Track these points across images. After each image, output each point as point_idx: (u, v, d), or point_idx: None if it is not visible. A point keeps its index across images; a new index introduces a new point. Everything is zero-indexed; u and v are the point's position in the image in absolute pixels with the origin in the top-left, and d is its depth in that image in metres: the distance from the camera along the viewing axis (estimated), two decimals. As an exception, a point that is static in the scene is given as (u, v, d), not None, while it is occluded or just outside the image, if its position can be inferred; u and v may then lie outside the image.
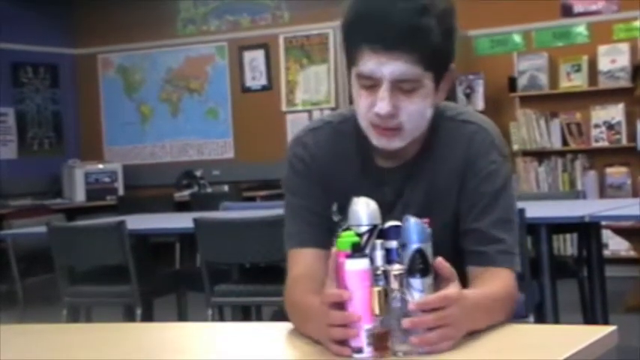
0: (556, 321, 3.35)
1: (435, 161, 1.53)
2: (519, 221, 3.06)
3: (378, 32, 1.41)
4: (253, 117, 7.62)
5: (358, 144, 1.55)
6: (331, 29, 7.48)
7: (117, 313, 4.55)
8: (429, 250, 1.29)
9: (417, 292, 1.26)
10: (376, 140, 1.49)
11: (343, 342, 1.25)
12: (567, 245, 6.03)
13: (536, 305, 3.28)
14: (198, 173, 7.64)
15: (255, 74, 7.72)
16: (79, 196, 7.59)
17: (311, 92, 7.46)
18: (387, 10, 1.41)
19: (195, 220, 3.79)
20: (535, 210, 3.38)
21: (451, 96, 6.63)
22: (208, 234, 3.76)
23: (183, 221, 4.21)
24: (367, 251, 1.28)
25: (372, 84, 1.44)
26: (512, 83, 6.62)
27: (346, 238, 1.27)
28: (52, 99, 8.19)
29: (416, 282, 1.27)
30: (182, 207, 6.88)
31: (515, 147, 6.56)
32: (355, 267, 1.24)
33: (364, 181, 1.54)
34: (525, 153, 6.59)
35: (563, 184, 6.49)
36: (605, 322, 3.35)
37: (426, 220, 1.31)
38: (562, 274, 3.65)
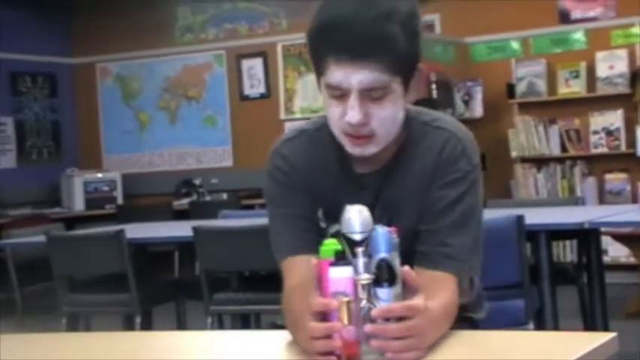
0: (556, 328, 3.34)
1: (408, 166, 1.54)
2: (519, 228, 3.08)
3: (342, 43, 1.40)
4: (252, 125, 7.62)
5: (335, 150, 1.56)
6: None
7: (116, 322, 4.53)
8: (396, 259, 1.29)
9: (384, 302, 1.26)
10: (350, 148, 1.50)
11: (328, 352, 1.25)
12: (567, 252, 6.02)
13: (535, 312, 3.27)
14: (196, 182, 7.64)
15: (253, 82, 7.72)
16: (78, 205, 7.58)
17: (309, 100, 7.46)
18: (350, 20, 1.40)
19: (194, 229, 3.79)
20: (534, 216, 3.38)
21: (449, 102, 6.66)
22: (207, 242, 3.76)
23: (182, 230, 4.21)
24: (363, 259, 1.27)
25: (341, 94, 1.44)
26: (510, 90, 6.62)
27: (329, 246, 1.27)
28: (51, 108, 8.19)
29: (382, 292, 1.27)
30: (181, 215, 6.87)
31: (514, 153, 6.56)
32: (339, 275, 1.24)
33: (343, 186, 1.56)
34: (524, 159, 6.59)
35: (562, 190, 6.49)
36: (606, 329, 3.35)
37: (392, 229, 1.31)
38: (562, 281, 3.65)
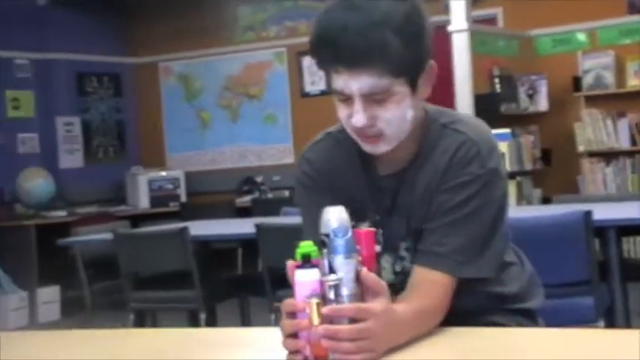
0: (628, 326, 3.26)
1: (425, 168, 1.54)
2: (587, 224, 3.01)
3: (335, 54, 1.44)
4: (313, 122, 7.59)
5: (358, 151, 1.59)
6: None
7: (182, 318, 4.59)
8: (353, 261, 1.30)
9: (355, 301, 1.28)
10: (363, 145, 1.53)
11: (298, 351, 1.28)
12: (638, 248, 5.87)
13: (606, 310, 3.20)
14: (258, 179, 7.69)
15: (314, 79, 7.73)
16: (143, 203, 7.71)
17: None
18: (341, 31, 1.43)
19: (257, 226, 3.80)
20: (603, 212, 3.30)
21: (512, 97, 6.56)
22: (270, 239, 3.78)
23: (244, 227, 4.23)
24: (327, 260, 1.30)
25: (346, 97, 1.48)
26: (576, 83, 6.48)
27: (303, 249, 1.29)
28: (116, 107, 8.35)
29: (345, 291, 1.28)
30: (243, 213, 6.92)
31: (581, 148, 6.42)
32: (304, 278, 1.27)
33: (365, 187, 1.59)
34: (591, 154, 6.44)
35: (632, 185, 6.32)
36: (679, 327, 3.24)
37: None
38: (633, 278, 3.55)
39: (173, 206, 7.59)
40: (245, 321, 4.46)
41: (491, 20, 6.93)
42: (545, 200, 6.00)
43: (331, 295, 1.27)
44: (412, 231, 1.55)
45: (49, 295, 6.83)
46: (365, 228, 1.49)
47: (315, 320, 1.25)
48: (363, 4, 1.44)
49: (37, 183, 7.14)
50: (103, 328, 1.80)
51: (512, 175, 6.02)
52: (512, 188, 5.94)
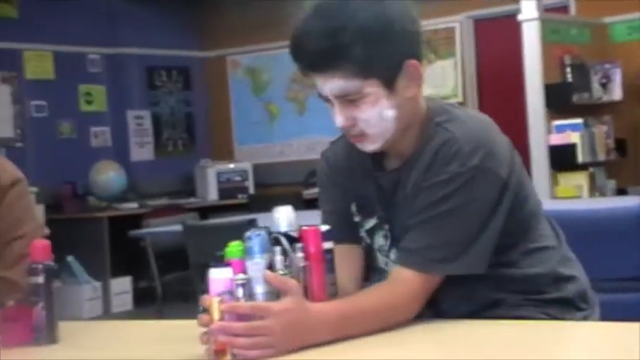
0: None
1: (416, 166, 1.56)
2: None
3: (301, 59, 1.52)
4: (380, 113, 7.59)
5: None
6: (458, 23, 7.35)
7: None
8: (268, 260, 1.39)
9: (263, 298, 1.36)
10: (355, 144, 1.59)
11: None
12: None
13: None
14: (326, 171, 7.69)
15: (381, 70, 7.69)
16: (212, 195, 7.80)
17: (438, 87, 7.36)
18: (305, 37, 1.50)
19: (325, 218, 3.80)
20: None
21: (585, 86, 6.40)
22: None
23: (312, 218, 4.24)
24: (289, 255, 1.41)
25: (327, 99, 1.54)
26: (652, 71, 6.29)
27: (233, 248, 1.38)
28: (185, 101, 8.46)
29: (259, 289, 1.36)
30: (311, 204, 6.94)
31: (657, 138, 6.24)
32: (218, 276, 1.35)
33: (372, 183, 1.63)
34: (668, 144, 6.25)
35: None
36: None
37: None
38: None
39: (241, 198, 7.66)
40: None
41: (562, 9, 6.77)
42: (620, 191, 5.84)
43: (239, 293, 1.34)
44: (399, 230, 1.58)
45: (122, 285, 6.97)
46: (370, 224, 1.63)
47: (216, 316, 1.32)
48: (330, 9, 1.50)
49: (109, 176, 7.30)
50: (173, 319, 1.82)
51: (584, 166, 5.88)
52: (583, 179, 5.81)
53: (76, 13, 7.49)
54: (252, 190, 7.90)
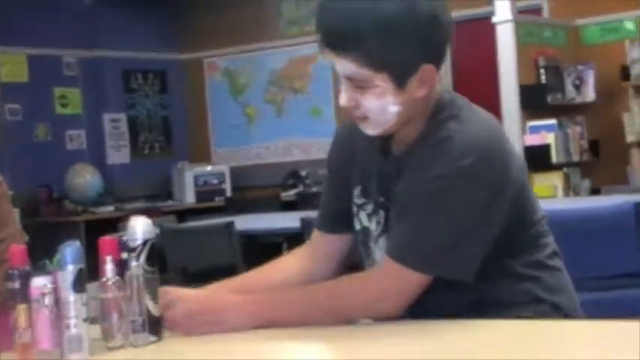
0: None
1: (415, 158, 1.54)
2: (637, 215, 2.95)
3: (323, 35, 1.52)
4: (357, 115, 7.62)
5: None
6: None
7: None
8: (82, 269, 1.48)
9: (73, 307, 1.44)
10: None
11: None
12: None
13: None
14: (303, 173, 7.71)
15: (357, 72, 7.72)
16: (189, 198, 7.78)
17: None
18: (330, 15, 1.50)
19: (302, 220, 3.81)
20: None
21: (559, 87, 6.46)
22: (315, 233, 3.77)
23: (290, 221, 4.25)
24: (139, 262, 1.52)
25: (338, 76, 1.54)
26: (624, 72, 6.36)
27: (54, 259, 1.45)
28: (161, 104, 8.43)
29: (72, 297, 1.45)
30: (289, 206, 6.95)
31: (630, 138, 6.30)
32: (35, 284, 1.42)
33: (376, 166, 1.62)
34: (641, 144, 6.33)
35: (682, 175, 6.19)
36: None
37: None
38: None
39: (219, 201, 7.65)
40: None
41: (536, 10, 6.83)
42: (594, 191, 5.91)
43: (46, 300, 1.41)
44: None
45: (99, 289, 6.93)
46: (369, 209, 1.61)
47: (23, 323, 1.39)
48: None
49: (85, 179, 7.26)
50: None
51: (559, 167, 5.94)
52: (558, 179, 5.87)
53: (51, 16, 7.45)
54: (229, 193, 7.89)
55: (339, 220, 1.69)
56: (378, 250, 1.61)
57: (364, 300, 1.50)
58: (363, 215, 1.64)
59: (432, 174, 1.48)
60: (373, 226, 1.62)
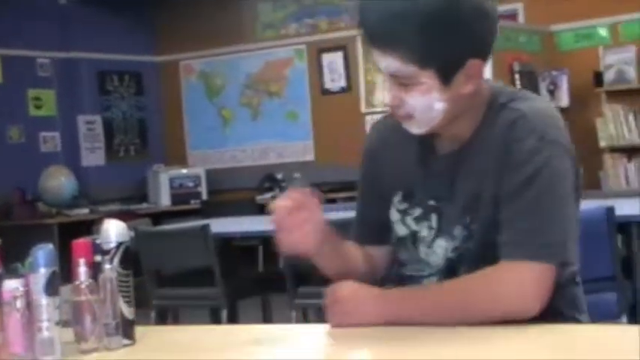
0: (651, 322, 3.23)
1: (482, 149, 1.50)
2: (609, 219, 2.99)
3: (363, 28, 1.48)
4: (333, 119, 7.63)
5: None
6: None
7: (203, 315, 4.61)
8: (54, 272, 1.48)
9: (45, 310, 1.44)
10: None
11: None
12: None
13: (631, 306, 3.17)
14: (279, 176, 7.70)
15: (334, 76, 7.73)
16: (164, 201, 7.74)
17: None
18: (372, 7, 1.46)
19: (278, 223, 3.80)
20: (626, 208, 3.27)
21: (533, 92, 6.49)
22: (291, 236, 3.77)
23: (265, 224, 4.24)
24: (112, 265, 1.51)
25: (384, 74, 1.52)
26: (598, 78, 6.43)
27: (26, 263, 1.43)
28: (137, 106, 8.39)
29: (44, 300, 1.44)
30: (264, 210, 6.93)
31: (603, 143, 6.37)
32: (6, 287, 1.41)
33: (419, 170, 1.58)
34: (613, 149, 6.39)
35: (654, 180, 6.27)
36: None
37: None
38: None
39: (194, 204, 7.62)
40: (266, 318, 4.47)
41: (511, 16, 6.89)
42: (567, 196, 5.95)
43: (18, 304, 1.41)
44: (467, 214, 1.50)
45: (72, 292, 6.87)
46: (416, 212, 1.57)
47: None
48: None
49: (59, 181, 7.20)
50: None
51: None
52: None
53: (25, 17, 7.38)
54: (205, 196, 7.86)
55: (382, 231, 1.64)
56: (433, 253, 1.56)
57: (523, 303, 1.40)
58: (409, 220, 1.59)
59: (523, 155, 1.44)
60: (425, 231, 1.56)
